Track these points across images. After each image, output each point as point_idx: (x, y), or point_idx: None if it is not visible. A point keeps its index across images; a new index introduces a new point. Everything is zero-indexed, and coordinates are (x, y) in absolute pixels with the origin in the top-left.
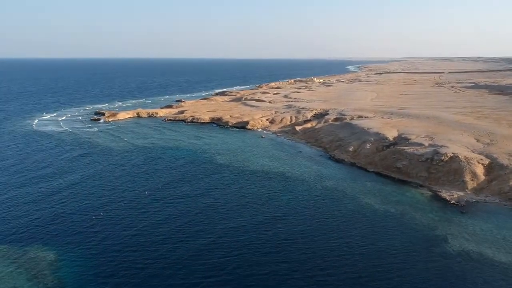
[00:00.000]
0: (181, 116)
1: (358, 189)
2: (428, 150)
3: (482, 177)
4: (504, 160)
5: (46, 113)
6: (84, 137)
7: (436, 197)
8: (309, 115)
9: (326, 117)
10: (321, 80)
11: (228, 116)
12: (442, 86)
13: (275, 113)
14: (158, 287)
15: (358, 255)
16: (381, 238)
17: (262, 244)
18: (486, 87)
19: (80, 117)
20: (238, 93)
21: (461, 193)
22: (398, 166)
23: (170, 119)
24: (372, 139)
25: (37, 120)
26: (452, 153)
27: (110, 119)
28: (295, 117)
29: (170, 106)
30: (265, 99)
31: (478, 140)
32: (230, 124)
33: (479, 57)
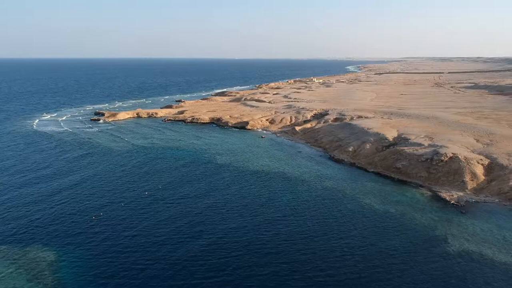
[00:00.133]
0: (181, 116)
1: (358, 189)
2: (427, 150)
3: (482, 177)
4: (503, 160)
5: (46, 113)
6: (84, 137)
7: (436, 197)
8: (309, 115)
9: (326, 117)
10: (320, 80)
11: (228, 116)
12: (441, 86)
13: (275, 113)
14: None
15: (358, 255)
16: (381, 238)
17: (262, 245)
18: (485, 87)
19: (80, 117)
20: (238, 93)
21: (461, 193)
22: (398, 166)
23: (170, 119)
24: (371, 139)
25: (37, 120)
26: (452, 153)
27: (110, 119)
28: (295, 117)
29: (170, 106)
30: (265, 99)
31: (478, 140)
32: (230, 124)
33: (478, 57)
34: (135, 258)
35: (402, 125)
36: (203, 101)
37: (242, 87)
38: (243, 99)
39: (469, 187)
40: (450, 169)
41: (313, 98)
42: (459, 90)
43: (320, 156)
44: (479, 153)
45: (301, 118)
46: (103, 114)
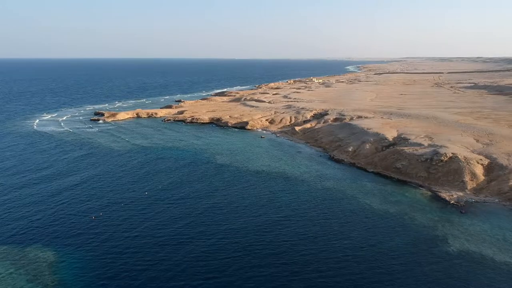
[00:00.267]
0: (180, 117)
1: (358, 189)
2: (427, 150)
3: (482, 177)
4: (503, 160)
5: (46, 113)
6: (84, 138)
7: (436, 197)
8: (308, 115)
9: (326, 117)
10: (320, 81)
11: (228, 117)
12: (441, 87)
13: (275, 114)
14: None
15: (359, 256)
16: (382, 239)
17: (263, 246)
18: (485, 87)
19: (80, 117)
20: (237, 93)
21: (461, 193)
22: (398, 166)
23: (169, 120)
24: (371, 139)
25: (37, 121)
26: (452, 153)
27: (109, 120)
28: (295, 117)
29: (169, 107)
30: (264, 100)
31: (477, 140)
32: (229, 125)
33: (478, 57)
34: (135, 259)
35: (401, 125)
36: (203, 101)
37: (242, 87)
38: (242, 99)
39: (468, 187)
40: (450, 169)
41: (313, 98)
42: (459, 90)
43: (320, 156)
44: (479, 153)
45: (300, 118)
46: (102, 114)
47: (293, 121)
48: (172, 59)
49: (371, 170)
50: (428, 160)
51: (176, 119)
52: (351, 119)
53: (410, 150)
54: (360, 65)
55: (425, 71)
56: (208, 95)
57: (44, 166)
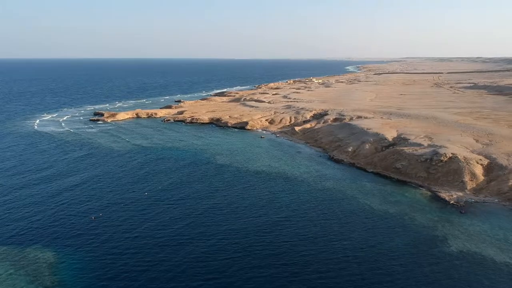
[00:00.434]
0: (180, 117)
1: (357, 189)
2: (427, 150)
3: (481, 178)
4: (503, 161)
5: (47, 113)
6: (84, 138)
7: (436, 198)
8: (308, 115)
9: (325, 117)
10: (320, 81)
11: (228, 117)
12: (441, 87)
13: (275, 114)
14: None
15: (359, 257)
16: (382, 240)
17: (263, 246)
18: (485, 87)
19: (81, 118)
20: (237, 93)
21: (460, 194)
22: (397, 166)
23: (169, 120)
24: (371, 139)
25: (38, 121)
26: (451, 153)
27: (109, 120)
28: (295, 117)
29: (169, 107)
30: (264, 100)
31: (477, 141)
32: (229, 125)
33: (478, 58)
34: (135, 259)
35: (401, 125)
36: (202, 101)
37: (242, 88)
38: (242, 99)
39: (468, 187)
40: (450, 169)
41: (313, 98)
42: (459, 90)
43: (320, 156)
44: (479, 153)
45: (300, 118)
46: (102, 115)
47: (292, 121)
48: (172, 59)
49: (371, 170)
50: (428, 160)
51: (176, 119)
52: (351, 119)
53: (410, 150)
54: (359, 65)
55: (424, 71)
56: (208, 95)
57: (44, 166)
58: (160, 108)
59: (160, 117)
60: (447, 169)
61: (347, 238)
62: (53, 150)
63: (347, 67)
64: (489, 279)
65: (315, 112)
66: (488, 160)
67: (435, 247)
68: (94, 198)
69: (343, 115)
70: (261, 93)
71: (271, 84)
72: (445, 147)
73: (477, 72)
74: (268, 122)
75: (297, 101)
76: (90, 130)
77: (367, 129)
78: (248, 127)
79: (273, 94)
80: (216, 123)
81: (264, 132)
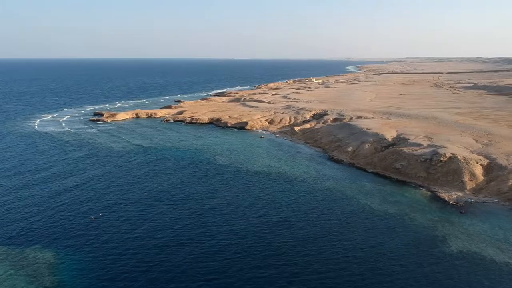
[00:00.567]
0: (180, 117)
1: (357, 190)
2: (427, 150)
3: (481, 178)
4: (502, 161)
5: (47, 113)
6: (84, 138)
7: (435, 198)
8: (308, 115)
9: (325, 117)
10: (320, 81)
11: (227, 117)
12: (440, 87)
13: (274, 114)
14: None
15: (359, 258)
16: (382, 240)
17: (263, 247)
18: (484, 87)
19: (81, 118)
20: (237, 93)
21: (460, 194)
22: (397, 166)
23: (169, 120)
24: (371, 139)
25: (38, 121)
26: (451, 153)
27: (109, 120)
28: (294, 117)
29: (169, 107)
30: (264, 100)
31: (477, 141)
32: (229, 125)
33: (478, 58)
34: (135, 260)
35: (401, 125)
36: (202, 101)
37: (242, 88)
38: (242, 99)
39: (468, 188)
40: (449, 169)
41: (312, 98)
42: (458, 90)
43: (320, 156)
44: (478, 153)
45: (300, 119)
46: (102, 115)
47: (292, 121)
48: (172, 59)
49: (371, 170)
50: (428, 160)
51: (176, 119)
52: (351, 119)
53: (410, 150)
54: (359, 65)
55: (424, 71)
56: (207, 95)
57: (45, 167)
58: (160, 108)
59: (160, 117)
60: (447, 169)
61: (347, 238)
62: (53, 150)
63: (347, 67)
64: (489, 279)
65: (315, 112)
66: (487, 160)
67: (435, 247)
68: (94, 198)
69: (343, 115)
70: (261, 93)
71: (271, 84)
72: (445, 147)
73: (477, 72)
74: (268, 122)
75: (296, 101)
76: (90, 130)
77: (367, 129)
78: (248, 127)
79: (273, 94)
80: (216, 123)
81: (264, 132)
